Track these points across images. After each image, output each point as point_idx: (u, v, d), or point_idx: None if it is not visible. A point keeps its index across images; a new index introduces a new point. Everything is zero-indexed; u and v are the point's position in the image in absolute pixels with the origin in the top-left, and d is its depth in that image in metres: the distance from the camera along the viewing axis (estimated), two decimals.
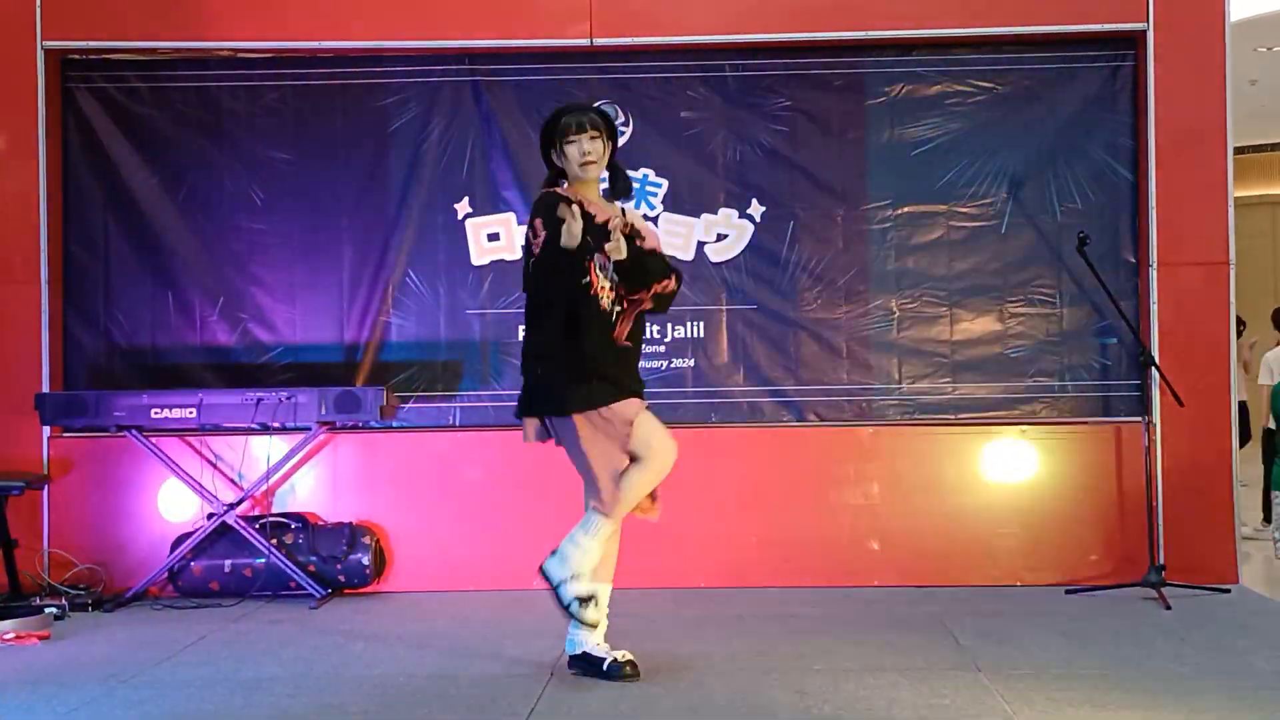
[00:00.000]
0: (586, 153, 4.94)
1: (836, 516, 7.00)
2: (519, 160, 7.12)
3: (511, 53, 7.19)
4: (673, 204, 7.17)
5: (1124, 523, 6.89)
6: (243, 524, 6.79)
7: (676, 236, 7.11)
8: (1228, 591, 6.53)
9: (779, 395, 7.16)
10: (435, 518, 7.06)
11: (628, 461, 4.89)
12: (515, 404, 5.14)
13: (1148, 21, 6.94)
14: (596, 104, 7.11)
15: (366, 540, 6.89)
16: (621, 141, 7.00)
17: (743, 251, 7.18)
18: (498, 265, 7.15)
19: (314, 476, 7.09)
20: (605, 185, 5.13)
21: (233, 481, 7.04)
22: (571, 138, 4.95)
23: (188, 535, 6.83)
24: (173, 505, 7.02)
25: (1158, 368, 6.72)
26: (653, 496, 5.05)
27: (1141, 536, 6.69)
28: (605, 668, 4.94)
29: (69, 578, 6.88)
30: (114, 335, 7.24)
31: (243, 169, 7.25)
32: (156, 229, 7.23)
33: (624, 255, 4.86)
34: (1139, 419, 6.83)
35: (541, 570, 4.95)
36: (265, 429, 6.91)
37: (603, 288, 4.90)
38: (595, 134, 4.96)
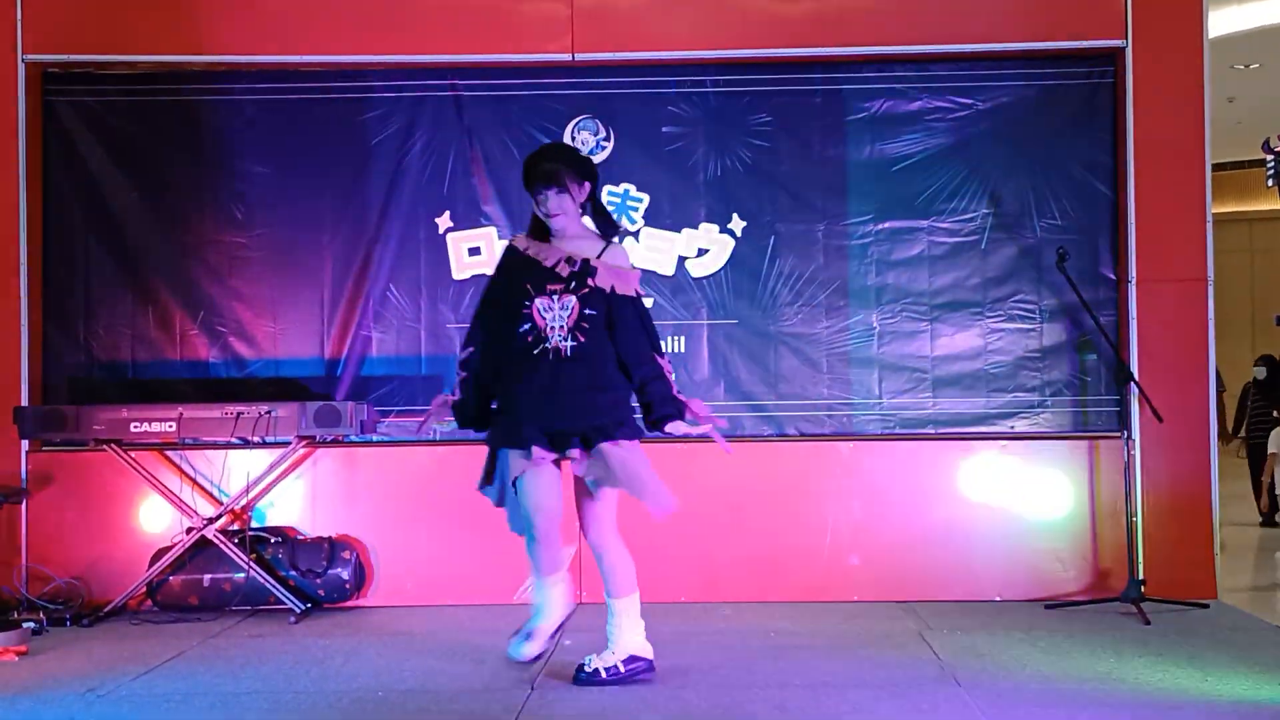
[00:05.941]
0: (549, 212, 5.09)
1: (816, 531, 7.00)
2: (500, 174, 7.12)
3: (494, 67, 7.19)
4: (654, 219, 7.18)
5: (1103, 538, 6.91)
6: (221, 538, 6.76)
7: (657, 251, 7.13)
8: (1206, 606, 6.55)
9: (759, 410, 7.16)
10: (415, 532, 7.04)
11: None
12: None
13: (1127, 39, 6.98)
14: (577, 120, 7.14)
15: (346, 555, 6.87)
16: (602, 157, 7.06)
17: (724, 266, 7.18)
18: (479, 280, 7.10)
19: (294, 491, 7.07)
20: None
21: (212, 496, 7.01)
22: (537, 194, 5.06)
23: (166, 549, 6.81)
24: (152, 519, 6.99)
25: (1137, 384, 6.75)
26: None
27: (1120, 552, 6.71)
28: None
29: (47, 592, 6.84)
30: (94, 349, 7.21)
31: (223, 183, 7.23)
32: (137, 242, 7.21)
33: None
34: (1118, 434, 6.86)
35: None
36: (245, 443, 6.90)
37: (551, 328, 5.00)
38: (560, 189, 5.03)
